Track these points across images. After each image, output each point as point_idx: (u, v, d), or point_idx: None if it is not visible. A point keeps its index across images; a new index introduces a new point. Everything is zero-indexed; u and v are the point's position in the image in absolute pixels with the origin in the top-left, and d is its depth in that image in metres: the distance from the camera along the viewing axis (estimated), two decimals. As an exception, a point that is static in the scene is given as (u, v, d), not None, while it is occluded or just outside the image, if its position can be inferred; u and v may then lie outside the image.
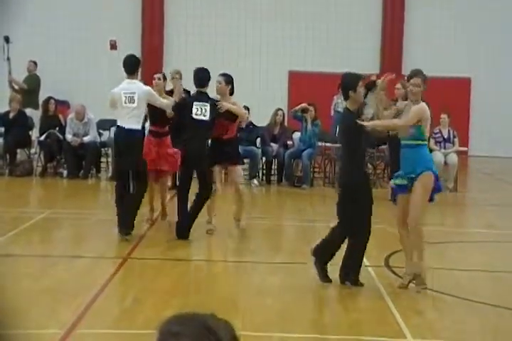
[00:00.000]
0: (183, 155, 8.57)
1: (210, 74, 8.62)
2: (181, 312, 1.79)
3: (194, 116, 8.38)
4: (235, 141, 9.08)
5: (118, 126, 8.59)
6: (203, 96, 8.48)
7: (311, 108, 13.34)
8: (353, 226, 6.63)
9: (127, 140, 8.40)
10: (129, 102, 8.40)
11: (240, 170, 9.27)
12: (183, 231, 8.43)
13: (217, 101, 8.54)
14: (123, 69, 8.63)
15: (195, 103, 8.41)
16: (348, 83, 6.74)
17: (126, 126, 8.40)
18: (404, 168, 6.63)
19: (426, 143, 6.76)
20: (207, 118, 8.39)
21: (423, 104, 6.71)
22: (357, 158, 6.74)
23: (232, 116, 8.67)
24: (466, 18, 19.86)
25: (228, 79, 8.84)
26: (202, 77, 8.56)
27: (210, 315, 1.75)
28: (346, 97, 6.81)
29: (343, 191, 6.72)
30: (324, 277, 6.72)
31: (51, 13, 19.18)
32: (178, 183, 9.16)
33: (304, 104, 13.13)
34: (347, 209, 6.65)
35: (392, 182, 6.81)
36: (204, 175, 8.50)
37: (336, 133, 6.77)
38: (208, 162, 8.55)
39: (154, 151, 9.03)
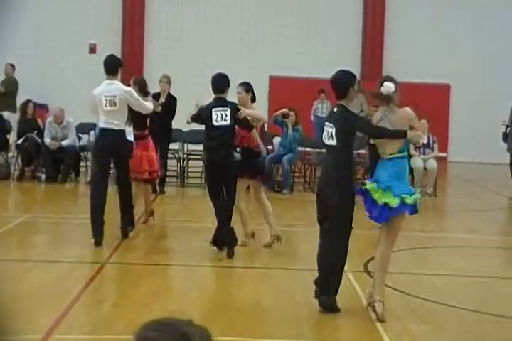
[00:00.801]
0: (207, 165, 8.43)
1: (228, 80, 8.32)
2: (159, 318, 1.79)
3: (214, 122, 8.20)
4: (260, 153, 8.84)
5: (103, 128, 8.58)
6: (221, 102, 8.23)
7: (291, 113, 13.38)
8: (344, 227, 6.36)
9: (113, 141, 8.39)
10: (109, 106, 8.38)
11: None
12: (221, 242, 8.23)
13: (237, 105, 8.29)
14: (103, 69, 8.59)
15: (213, 109, 8.14)
16: (347, 80, 6.42)
17: (112, 127, 8.41)
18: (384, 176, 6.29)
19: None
20: (228, 123, 8.13)
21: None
22: (352, 159, 6.58)
23: (247, 125, 8.43)
24: (446, 25, 20.05)
25: (247, 88, 8.68)
26: (220, 82, 8.26)
27: (187, 322, 1.75)
28: (344, 95, 6.36)
29: (340, 195, 6.24)
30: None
31: (30, 16, 19.08)
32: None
33: (284, 110, 13.14)
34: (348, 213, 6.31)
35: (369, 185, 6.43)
36: (230, 185, 8.23)
37: (327, 135, 6.28)
38: (236, 172, 8.28)
39: (138, 154, 9.10)
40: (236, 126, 8.26)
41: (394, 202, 6.06)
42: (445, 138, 18.95)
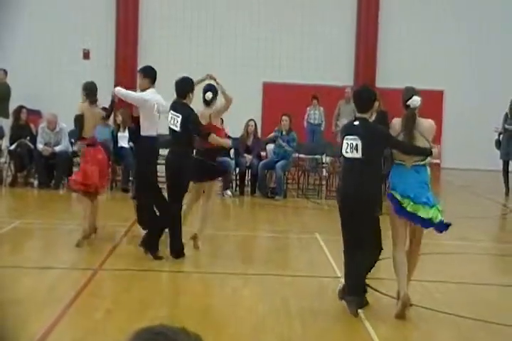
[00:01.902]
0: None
1: (192, 85, 8.34)
2: (151, 325, 1.78)
3: (169, 124, 8.25)
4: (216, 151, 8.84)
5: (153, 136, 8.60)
6: (178, 107, 8.19)
7: (283, 122, 13.51)
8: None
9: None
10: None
11: (217, 186, 9.11)
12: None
13: (191, 115, 8.16)
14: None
15: (170, 111, 8.21)
16: (372, 95, 6.58)
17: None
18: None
19: (395, 161, 6.62)
20: (178, 129, 8.10)
21: (396, 118, 6.73)
22: (381, 171, 6.75)
23: (199, 133, 8.31)
24: (439, 32, 20.13)
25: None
26: (181, 87, 8.26)
27: (181, 329, 1.73)
28: (367, 109, 6.50)
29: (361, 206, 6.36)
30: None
31: (23, 21, 19.08)
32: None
33: (274, 134, 13.57)
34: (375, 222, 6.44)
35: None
36: (174, 190, 8.22)
37: (350, 148, 6.40)
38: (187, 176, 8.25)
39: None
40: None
41: (437, 216, 6.33)
42: (438, 145, 18.98)
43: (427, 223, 6.43)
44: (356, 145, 6.32)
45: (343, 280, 6.80)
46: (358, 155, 6.31)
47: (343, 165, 6.98)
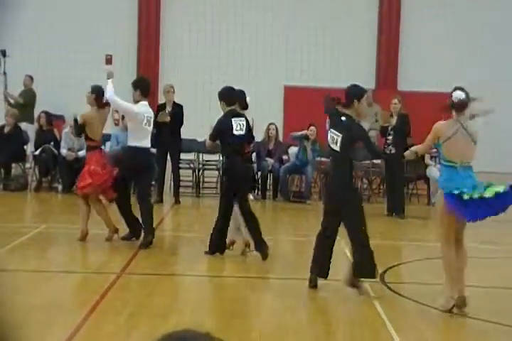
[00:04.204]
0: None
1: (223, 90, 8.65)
2: (175, 330, 1.77)
3: (235, 132, 8.40)
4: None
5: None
6: (240, 114, 8.58)
7: (310, 132, 13.42)
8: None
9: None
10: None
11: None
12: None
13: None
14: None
15: (233, 119, 8.42)
16: (355, 92, 7.06)
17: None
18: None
19: (445, 163, 6.62)
20: (243, 132, 8.46)
21: (440, 122, 6.72)
22: (352, 163, 7.23)
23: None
24: (462, 33, 20.01)
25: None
26: (233, 95, 8.61)
27: (205, 334, 1.72)
28: (348, 105, 7.00)
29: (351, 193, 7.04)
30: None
31: (48, 28, 19.23)
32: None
33: (304, 132, 13.34)
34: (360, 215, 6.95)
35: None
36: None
37: (332, 141, 6.96)
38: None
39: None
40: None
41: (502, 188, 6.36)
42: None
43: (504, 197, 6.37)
44: (337, 139, 6.91)
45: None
46: (338, 148, 6.93)
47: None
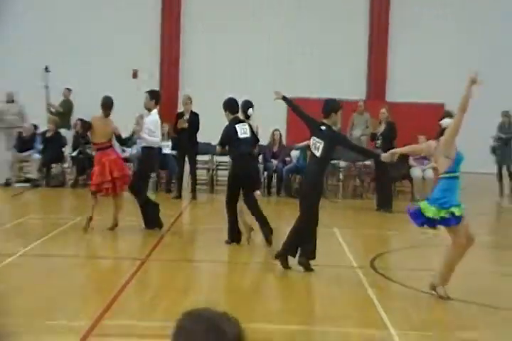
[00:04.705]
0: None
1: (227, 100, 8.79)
2: (197, 308, 1.76)
3: (240, 136, 8.46)
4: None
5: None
6: (240, 120, 8.64)
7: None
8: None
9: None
10: None
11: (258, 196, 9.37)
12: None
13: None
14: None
15: (237, 126, 8.49)
16: (333, 106, 7.35)
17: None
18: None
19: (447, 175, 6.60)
20: (248, 135, 8.53)
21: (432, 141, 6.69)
22: (326, 167, 7.57)
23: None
24: (439, 51, 19.95)
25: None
26: (237, 105, 8.71)
27: (222, 314, 1.72)
28: (327, 116, 7.27)
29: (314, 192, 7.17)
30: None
31: (83, 48, 19.29)
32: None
33: (306, 143, 13.37)
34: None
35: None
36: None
37: (314, 147, 7.06)
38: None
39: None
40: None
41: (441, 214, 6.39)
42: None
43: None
44: (319, 146, 7.05)
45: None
46: (319, 154, 7.05)
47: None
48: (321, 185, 7.40)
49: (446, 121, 6.62)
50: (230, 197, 8.50)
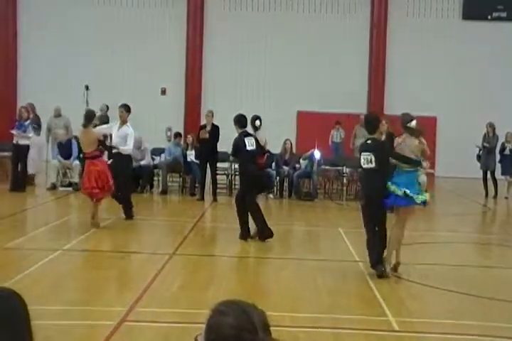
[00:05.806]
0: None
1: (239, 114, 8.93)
2: (230, 299, 1.82)
3: (248, 148, 8.57)
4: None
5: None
6: (248, 133, 8.75)
7: (316, 152, 13.60)
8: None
9: None
10: None
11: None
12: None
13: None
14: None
15: (245, 138, 8.60)
16: (376, 120, 7.11)
17: None
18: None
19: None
20: (254, 147, 8.63)
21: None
22: (386, 177, 6.89)
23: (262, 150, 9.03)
24: (433, 68, 19.89)
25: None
26: (245, 120, 8.82)
27: (251, 304, 1.78)
28: (374, 131, 6.93)
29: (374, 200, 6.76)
30: None
31: (117, 69, 19.47)
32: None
33: (310, 152, 13.59)
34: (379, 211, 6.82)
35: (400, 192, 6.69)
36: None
37: (366, 161, 6.81)
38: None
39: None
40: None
41: (399, 192, 6.65)
42: (433, 159, 18.69)
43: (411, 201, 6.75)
44: (371, 159, 6.73)
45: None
46: (373, 165, 6.71)
47: (363, 174, 7.35)
48: (383, 190, 6.75)
49: (412, 124, 6.91)
50: (244, 197, 8.62)
